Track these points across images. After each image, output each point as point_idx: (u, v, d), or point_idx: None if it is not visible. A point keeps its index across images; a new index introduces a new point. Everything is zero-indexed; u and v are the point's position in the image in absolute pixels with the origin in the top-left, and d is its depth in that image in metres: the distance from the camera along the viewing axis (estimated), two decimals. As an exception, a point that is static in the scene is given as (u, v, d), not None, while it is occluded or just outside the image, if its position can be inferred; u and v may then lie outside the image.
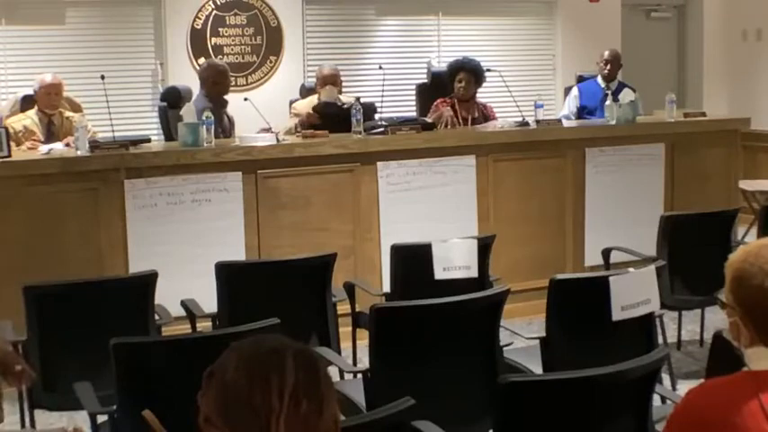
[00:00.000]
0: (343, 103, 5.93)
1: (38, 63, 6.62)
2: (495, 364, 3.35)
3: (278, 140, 5.36)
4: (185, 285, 4.45)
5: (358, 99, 5.75)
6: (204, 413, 1.52)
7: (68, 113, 5.77)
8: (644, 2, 9.16)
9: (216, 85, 6.06)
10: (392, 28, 8.02)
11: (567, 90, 7.50)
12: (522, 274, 5.57)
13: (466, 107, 6.37)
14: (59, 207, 4.82)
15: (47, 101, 5.66)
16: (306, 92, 6.71)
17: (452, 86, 6.37)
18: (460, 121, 6.31)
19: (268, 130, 5.61)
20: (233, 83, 6.62)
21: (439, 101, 6.37)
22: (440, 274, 4.21)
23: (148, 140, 5.53)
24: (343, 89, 6.65)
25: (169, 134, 6.11)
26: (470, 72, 6.33)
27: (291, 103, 6.58)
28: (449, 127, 6.14)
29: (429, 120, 6.07)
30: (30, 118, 5.66)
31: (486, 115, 6.45)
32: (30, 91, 5.82)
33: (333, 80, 6.29)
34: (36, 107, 5.71)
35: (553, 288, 3.60)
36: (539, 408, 2.50)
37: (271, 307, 3.39)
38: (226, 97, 6.14)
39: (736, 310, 1.93)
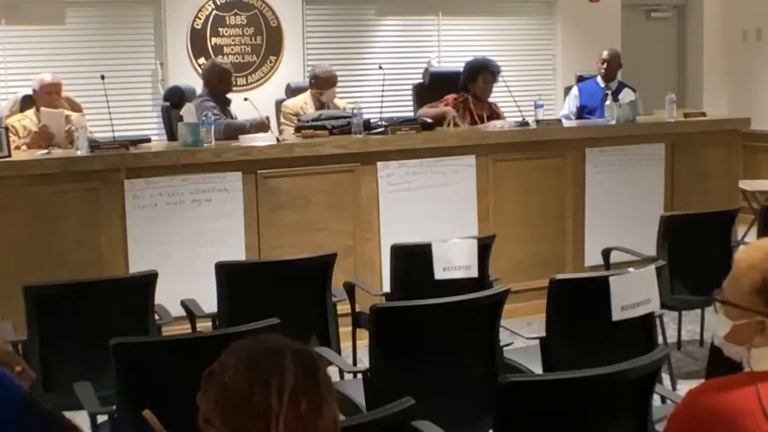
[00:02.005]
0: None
1: (38, 63, 6.62)
2: (495, 364, 3.34)
3: (278, 140, 5.36)
4: (185, 285, 4.45)
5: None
6: (204, 413, 1.52)
7: (68, 113, 5.77)
8: (644, 2, 9.16)
9: (220, 83, 6.07)
10: (392, 28, 8.02)
11: (567, 90, 7.49)
12: (522, 274, 5.57)
13: (481, 106, 6.41)
14: (59, 207, 4.82)
15: (47, 100, 5.65)
16: (291, 92, 6.68)
17: (471, 85, 6.37)
18: (476, 119, 6.32)
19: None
20: (233, 83, 6.60)
21: (450, 97, 6.36)
22: (440, 274, 4.20)
23: (148, 140, 5.53)
24: (344, 90, 6.64)
25: (172, 134, 6.11)
26: (494, 73, 6.38)
27: (280, 102, 6.54)
28: (451, 126, 6.14)
29: (430, 110, 6.08)
30: (29, 118, 5.66)
31: (496, 113, 6.51)
32: (30, 91, 5.81)
33: (334, 82, 6.28)
34: (35, 107, 5.71)
35: (553, 288, 3.60)
36: (539, 408, 2.50)
37: (271, 307, 3.38)
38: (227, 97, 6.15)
39: (762, 311, 1.89)
